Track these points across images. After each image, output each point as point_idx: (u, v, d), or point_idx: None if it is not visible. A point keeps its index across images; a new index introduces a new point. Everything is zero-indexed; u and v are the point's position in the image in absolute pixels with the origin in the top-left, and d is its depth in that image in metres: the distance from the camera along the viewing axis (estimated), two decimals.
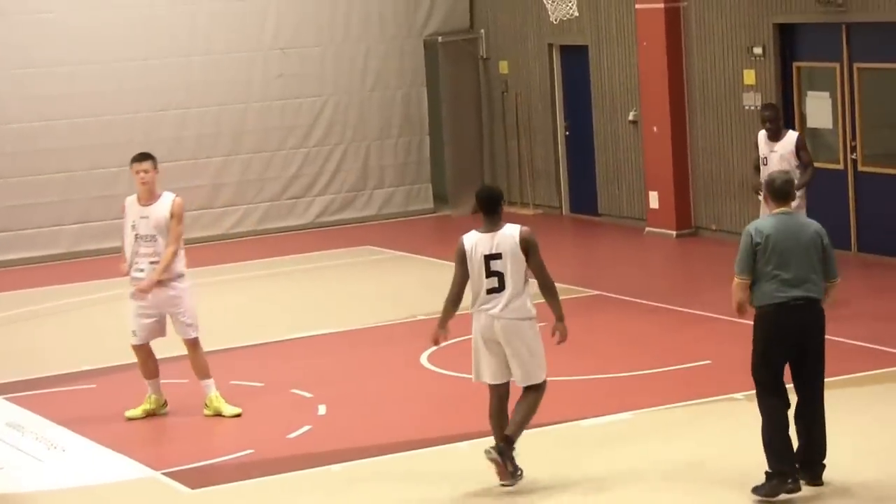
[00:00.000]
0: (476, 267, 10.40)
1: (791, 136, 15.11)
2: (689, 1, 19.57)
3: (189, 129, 22.00)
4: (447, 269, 18.68)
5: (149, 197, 12.72)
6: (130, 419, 12.67)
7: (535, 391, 10.42)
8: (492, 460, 10.21)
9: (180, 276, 12.63)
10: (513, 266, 10.31)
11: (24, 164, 21.14)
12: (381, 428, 12.11)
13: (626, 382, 13.03)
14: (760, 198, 14.88)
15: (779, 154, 14.90)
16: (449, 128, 23.19)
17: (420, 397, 13.10)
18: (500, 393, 10.46)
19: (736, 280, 9.73)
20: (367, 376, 13.90)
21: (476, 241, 10.44)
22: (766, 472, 9.58)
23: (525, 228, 10.45)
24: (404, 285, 18.09)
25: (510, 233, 10.39)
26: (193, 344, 12.69)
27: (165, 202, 12.67)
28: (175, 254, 12.55)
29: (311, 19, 22.59)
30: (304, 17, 22.55)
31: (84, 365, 14.85)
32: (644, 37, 20.03)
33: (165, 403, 12.86)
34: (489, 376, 10.44)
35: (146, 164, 12.71)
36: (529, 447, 10.63)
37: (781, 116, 15.52)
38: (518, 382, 10.42)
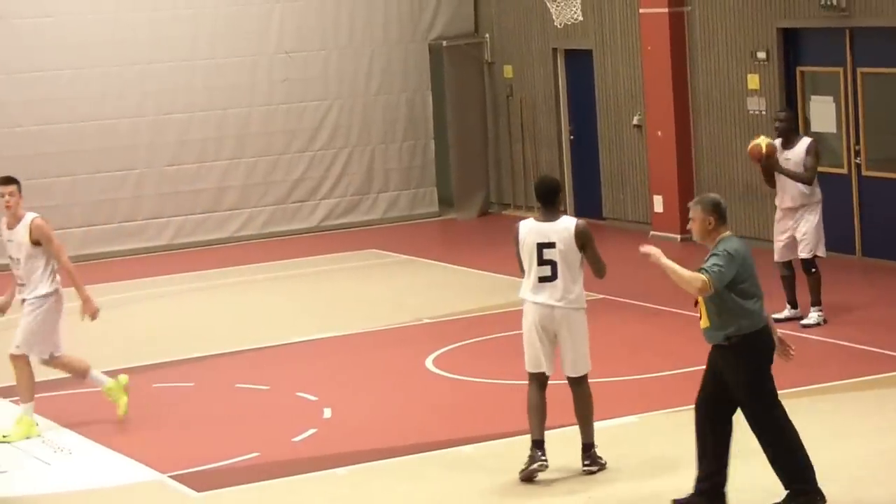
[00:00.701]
0: (528, 254, 10.56)
1: (803, 143, 14.82)
2: (693, 5, 19.62)
3: (193, 133, 22.06)
4: (452, 273, 18.92)
5: (13, 220, 12.60)
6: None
7: (582, 386, 10.63)
8: (540, 467, 10.38)
9: (41, 296, 12.48)
10: (566, 257, 10.51)
11: (28, 168, 21.21)
12: (386, 431, 12.14)
13: (632, 386, 13.08)
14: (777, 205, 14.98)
15: (792, 161, 14.71)
16: (454, 132, 23.23)
17: (425, 401, 13.13)
18: (541, 382, 10.60)
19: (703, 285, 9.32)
20: (373, 380, 13.94)
21: (530, 229, 10.59)
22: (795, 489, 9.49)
23: (580, 222, 10.65)
24: (409, 289, 18.13)
25: (565, 225, 10.56)
26: (13, 359, 12.60)
27: (25, 224, 12.52)
28: (69, 271, 12.46)
29: (316, 23, 22.65)
30: (308, 21, 22.61)
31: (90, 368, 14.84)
32: (648, 41, 20.08)
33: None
34: (537, 364, 10.57)
35: (10, 188, 12.53)
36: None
37: (791, 122, 15.15)
38: (567, 372, 10.62)
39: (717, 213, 9.44)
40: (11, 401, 13.71)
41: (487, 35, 23.22)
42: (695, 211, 9.53)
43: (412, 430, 12.15)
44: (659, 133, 19.99)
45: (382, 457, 11.39)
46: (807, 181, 14.66)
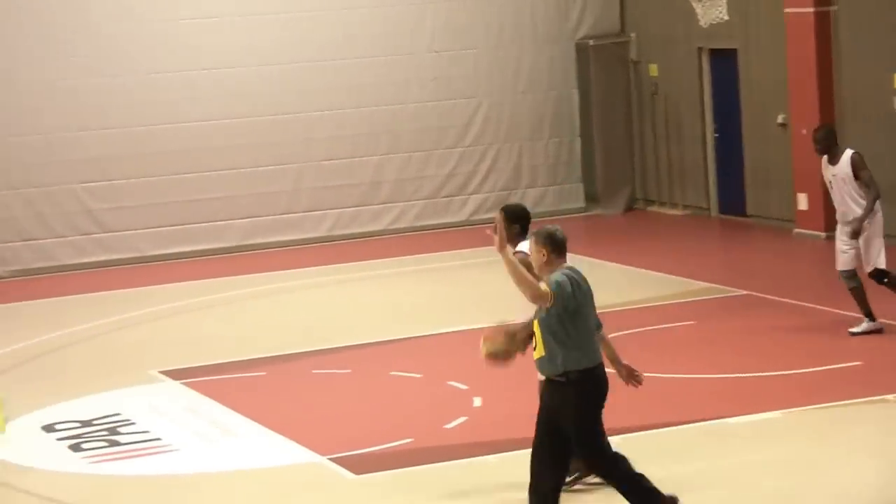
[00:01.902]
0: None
1: (846, 156, 14.24)
2: (840, 5, 19.65)
3: (347, 129, 22.62)
4: (598, 267, 19.12)
5: None
6: None
7: None
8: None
9: None
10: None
11: (196, 161, 22.01)
12: (534, 420, 12.39)
13: (776, 381, 13.13)
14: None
15: (839, 177, 14.21)
16: (599, 129, 23.48)
17: None
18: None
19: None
20: (520, 370, 14.19)
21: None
22: None
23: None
24: None
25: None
26: None
27: None
28: None
29: (466, 23, 23.05)
30: (458, 21, 23.02)
31: (255, 353, 15.42)
32: (793, 40, 20.14)
33: None
34: None
35: None
36: (676, 443, 10.89)
37: (829, 139, 14.37)
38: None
39: (551, 245, 9.03)
40: (184, 383, 14.31)
41: (633, 34, 23.40)
42: (529, 242, 9.19)
43: None
44: (804, 131, 20.01)
45: (531, 446, 11.64)
46: (875, 196, 14.16)
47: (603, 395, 9.03)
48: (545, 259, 9.05)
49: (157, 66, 21.65)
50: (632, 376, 9.40)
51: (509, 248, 9.05)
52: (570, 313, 8.91)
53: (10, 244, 21.24)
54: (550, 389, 9.14)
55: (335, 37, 22.47)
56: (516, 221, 10.38)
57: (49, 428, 13.07)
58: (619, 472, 9.08)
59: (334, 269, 20.16)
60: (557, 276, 8.94)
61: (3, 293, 19.91)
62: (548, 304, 8.84)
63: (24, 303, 19.38)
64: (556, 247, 9.05)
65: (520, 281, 8.82)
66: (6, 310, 19.01)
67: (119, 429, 12.91)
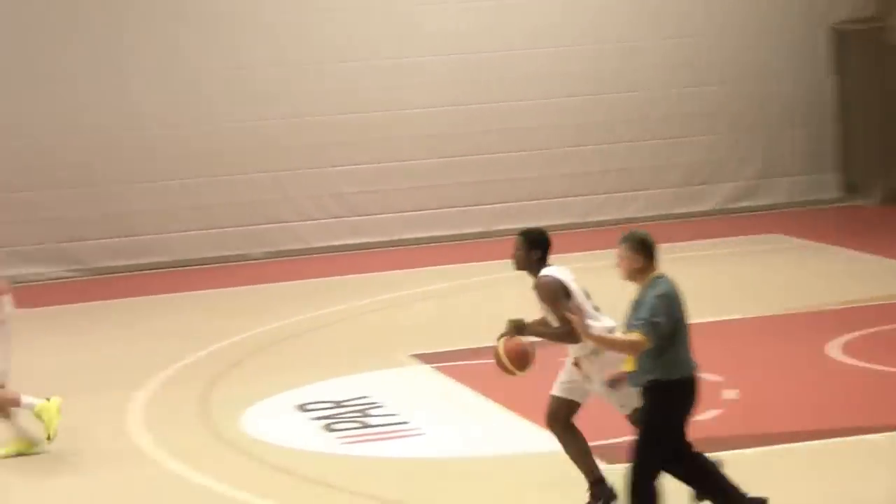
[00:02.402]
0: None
1: None
2: None
3: (595, 116, 22.52)
4: (854, 260, 18.66)
5: None
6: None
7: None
8: None
9: None
10: None
11: (443, 146, 22.23)
12: (790, 415, 12.16)
13: None
14: None
15: None
16: (857, 116, 22.92)
17: (830, 387, 13.06)
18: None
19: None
20: (775, 363, 13.98)
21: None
22: None
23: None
24: (813, 274, 18.03)
25: None
26: None
27: None
28: None
29: (716, 7, 22.74)
30: (707, 6, 22.71)
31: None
32: None
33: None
34: None
35: None
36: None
37: None
38: None
39: (645, 252, 8.83)
40: (435, 367, 14.42)
41: (891, 18, 22.79)
42: (621, 249, 8.91)
43: (815, 415, 12.12)
44: None
45: (787, 441, 11.39)
46: None
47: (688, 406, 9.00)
48: (639, 266, 8.87)
49: (402, 51, 21.88)
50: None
51: (590, 324, 8.95)
52: (667, 336, 8.80)
53: (261, 226, 21.71)
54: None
55: (580, 22, 22.42)
56: (537, 247, 9.87)
57: (303, 407, 13.30)
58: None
59: (591, 255, 20.06)
60: (650, 306, 8.71)
61: (259, 274, 20.35)
62: (644, 348, 8.72)
63: (277, 284, 19.78)
64: (649, 253, 8.87)
65: (613, 347, 8.92)
66: (262, 290, 19.44)
67: (369, 411, 13.05)
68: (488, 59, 22.17)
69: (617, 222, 22.30)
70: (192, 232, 21.61)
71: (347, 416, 12.91)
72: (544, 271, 9.81)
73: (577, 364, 9.90)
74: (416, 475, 11.38)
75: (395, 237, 21.98)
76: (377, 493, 10.87)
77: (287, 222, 21.82)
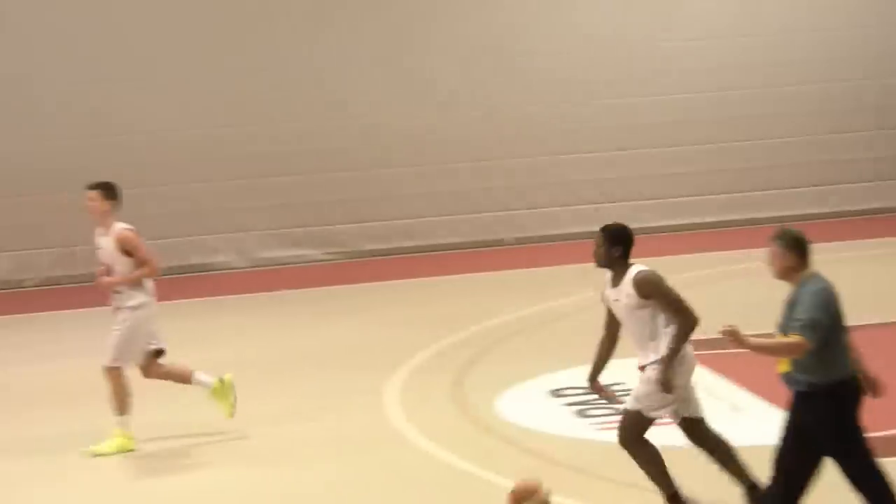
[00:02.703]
0: None
1: None
2: None
3: (759, 109, 22.22)
4: None
5: (101, 225, 12.28)
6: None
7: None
8: None
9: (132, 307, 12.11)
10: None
11: (679, 134, 22.09)
12: None
13: None
14: None
15: None
16: None
17: None
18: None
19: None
20: None
21: None
22: None
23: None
24: None
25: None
26: (106, 372, 12.17)
27: (112, 234, 12.19)
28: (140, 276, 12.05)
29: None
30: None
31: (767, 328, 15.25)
32: None
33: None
34: None
35: (91, 193, 12.21)
36: None
37: None
38: None
39: (799, 250, 8.52)
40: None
41: None
42: (773, 246, 8.60)
43: None
44: None
45: None
46: None
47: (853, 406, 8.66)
48: (791, 264, 8.58)
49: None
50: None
51: (746, 337, 8.52)
52: (826, 338, 8.46)
53: (516, 212, 21.93)
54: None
55: (859, 6, 22.12)
56: (618, 243, 9.50)
57: (556, 393, 13.36)
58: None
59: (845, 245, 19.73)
60: (808, 305, 8.43)
61: (512, 260, 20.47)
62: (806, 350, 8.43)
63: (530, 269, 19.88)
64: (802, 251, 8.58)
65: (771, 353, 8.62)
66: (512, 275, 19.55)
67: (623, 398, 13.00)
68: (738, 45, 22.02)
69: (810, 217, 21.69)
70: (448, 217, 21.93)
71: (601, 403, 12.90)
72: (635, 269, 9.53)
73: (641, 369, 9.61)
74: (674, 463, 11.31)
75: (646, 224, 21.99)
76: (629, 480, 10.82)
77: (545, 208, 21.97)
